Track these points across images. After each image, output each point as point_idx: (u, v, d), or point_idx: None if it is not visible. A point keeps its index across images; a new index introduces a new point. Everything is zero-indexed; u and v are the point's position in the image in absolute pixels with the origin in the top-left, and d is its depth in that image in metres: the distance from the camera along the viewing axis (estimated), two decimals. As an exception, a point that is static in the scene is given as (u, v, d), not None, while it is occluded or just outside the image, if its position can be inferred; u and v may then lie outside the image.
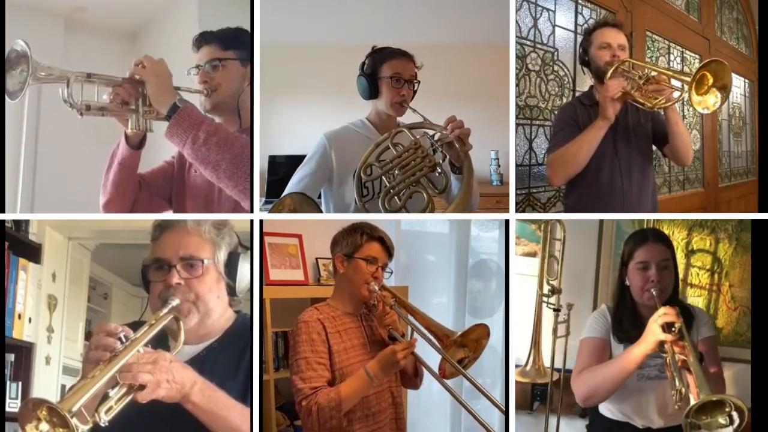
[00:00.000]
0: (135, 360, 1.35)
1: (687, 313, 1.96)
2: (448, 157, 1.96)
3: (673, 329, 1.75)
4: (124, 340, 1.37)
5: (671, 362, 1.73)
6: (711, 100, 1.98)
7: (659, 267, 1.94)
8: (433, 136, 1.96)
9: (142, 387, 1.33)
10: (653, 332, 1.77)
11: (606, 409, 2.02)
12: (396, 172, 1.94)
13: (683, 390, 1.68)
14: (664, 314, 1.78)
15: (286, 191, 2.08)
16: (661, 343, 1.76)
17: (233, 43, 1.98)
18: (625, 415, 1.99)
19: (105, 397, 1.31)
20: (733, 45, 4.01)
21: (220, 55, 1.96)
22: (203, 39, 1.99)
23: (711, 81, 1.96)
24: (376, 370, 1.69)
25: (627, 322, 1.98)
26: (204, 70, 1.96)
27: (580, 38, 2.87)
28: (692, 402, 1.62)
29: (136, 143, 1.90)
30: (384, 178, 1.95)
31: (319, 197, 2.15)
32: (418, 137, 1.98)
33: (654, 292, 1.91)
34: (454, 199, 1.96)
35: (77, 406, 1.25)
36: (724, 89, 1.96)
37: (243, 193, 1.76)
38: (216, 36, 1.98)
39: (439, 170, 1.93)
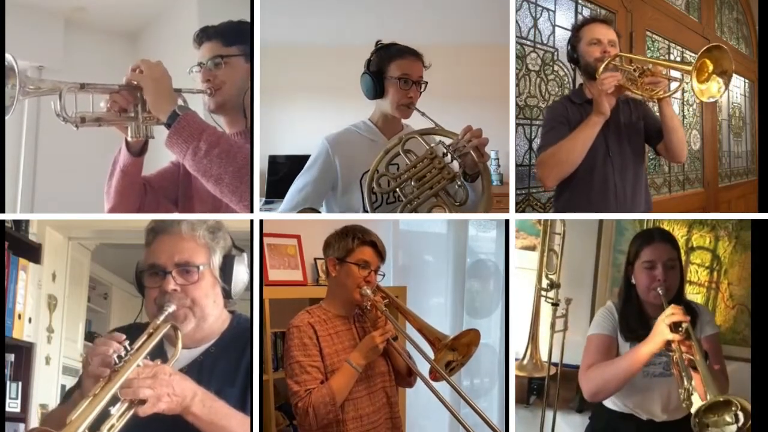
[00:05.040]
0: (135, 375, 1.34)
1: (691, 311, 1.95)
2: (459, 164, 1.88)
3: (681, 329, 1.77)
4: (122, 354, 1.36)
5: (679, 361, 1.75)
6: (714, 87, 1.93)
7: (665, 266, 1.95)
8: (448, 145, 1.86)
9: (142, 401, 1.32)
10: (661, 332, 1.79)
11: (610, 402, 2.03)
12: (412, 183, 1.87)
13: (690, 389, 1.70)
14: (672, 314, 1.79)
15: (286, 201, 2.02)
16: (669, 343, 1.78)
17: (236, 38, 1.89)
18: (629, 409, 2.00)
19: (106, 415, 1.31)
20: (733, 45, 4.00)
21: (223, 52, 1.87)
22: (204, 35, 1.90)
23: (711, 68, 1.92)
24: (358, 359, 1.75)
25: (633, 320, 1.99)
26: (206, 68, 1.87)
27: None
28: (698, 400, 1.65)
29: (138, 150, 1.83)
30: (398, 189, 1.88)
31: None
32: (432, 145, 1.88)
33: (660, 291, 1.92)
34: (477, 209, 1.90)
35: (81, 431, 1.25)
36: (725, 74, 1.91)
37: (247, 209, 1.70)
38: (218, 31, 1.89)
39: (459, 182, 1.86)
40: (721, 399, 1.63)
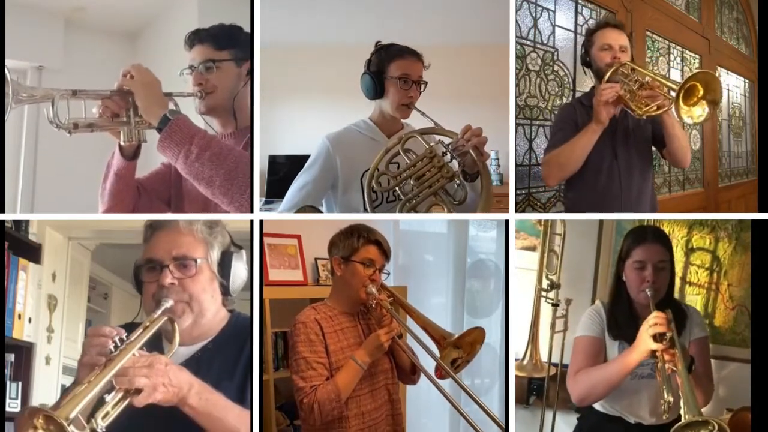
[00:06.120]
0: (131, 364, 1.33)
1: (681, 313, 1.96)
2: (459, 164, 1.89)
3: (664, 339, 1.76)
4: (118, 343, 1.36)
5: (661, 370, 1.75)
6: (697, 112, 1.93)
7: (656, 268, 1.92)
8: (447, 144, 1.87)
9: (138, 391, 1.31)
10: (644, 341, 1.78)
11: (598, 404, 2.03)
12: (411, 182, 1.88)
13: (671, 401, 1.72)
14: (655, 324, 1.78)
15: (287, 200, 2.02)
16: (653, 351, 1.77)
17: (228, 43, 1.90)
18: (617, 411, 2.00)
19: (101, 402, 1.30)
20: (733, 45, 4.01)
21: (214, 56, 1.89)
22: (196, 38, 1.91)
23: (701, 92, 1.92)
24: (363, 357, 1.77)
25: (622, 319, 1.97)
26: (198, 72, 1.89)
27: (580, 38, 2.88)
28: (681, 411, 1.66)
29: (131, 154, 1.85)
30: (398, 188, 1.89)
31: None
32: (431, 144, 1.89)
33: (649, 293, 1.90)
34: (476, 208, 1.90)
35: (74, 413, 1.23)
36: (714, 104, 1.92)
37: (239, 210, 1.70)
38: (209, 34, 1.91)
39: (458, 181, 1.87)
40: (700, 420, 1.64)
